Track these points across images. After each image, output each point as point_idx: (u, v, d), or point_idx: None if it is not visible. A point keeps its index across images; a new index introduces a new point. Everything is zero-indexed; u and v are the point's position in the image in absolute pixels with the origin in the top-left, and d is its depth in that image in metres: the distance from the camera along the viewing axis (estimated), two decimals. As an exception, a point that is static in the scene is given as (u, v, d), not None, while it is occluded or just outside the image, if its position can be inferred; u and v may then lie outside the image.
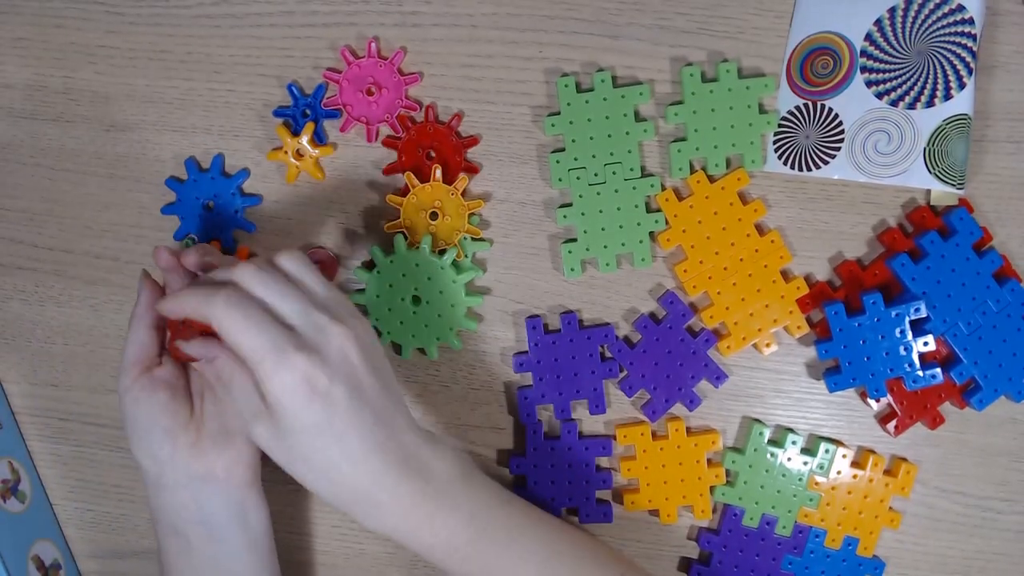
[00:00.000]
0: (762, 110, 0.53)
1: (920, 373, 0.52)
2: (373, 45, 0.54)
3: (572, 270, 0.55)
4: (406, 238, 0.54)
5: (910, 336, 0.52)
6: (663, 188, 0.54)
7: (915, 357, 0.52)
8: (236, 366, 0.43)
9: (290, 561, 0.60)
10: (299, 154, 0.56)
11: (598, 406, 0.55)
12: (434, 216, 0.54)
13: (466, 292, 0.55)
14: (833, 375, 0.53)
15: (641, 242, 0.55)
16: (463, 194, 0.54)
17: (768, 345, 0.55)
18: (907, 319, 0.52)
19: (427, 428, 0.49)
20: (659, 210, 0.54)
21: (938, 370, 0.52)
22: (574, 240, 0.55)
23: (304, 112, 0.56)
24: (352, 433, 0.42)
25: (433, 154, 0.55)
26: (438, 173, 0.54)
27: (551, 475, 0.56)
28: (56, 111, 0.58)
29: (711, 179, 0.54)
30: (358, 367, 0.43)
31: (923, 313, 0.52)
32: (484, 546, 0.46)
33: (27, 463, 0.60)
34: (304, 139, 0.55)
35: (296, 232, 0.57)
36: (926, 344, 0.52)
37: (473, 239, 0.55)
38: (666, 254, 0.56)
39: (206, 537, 0.49)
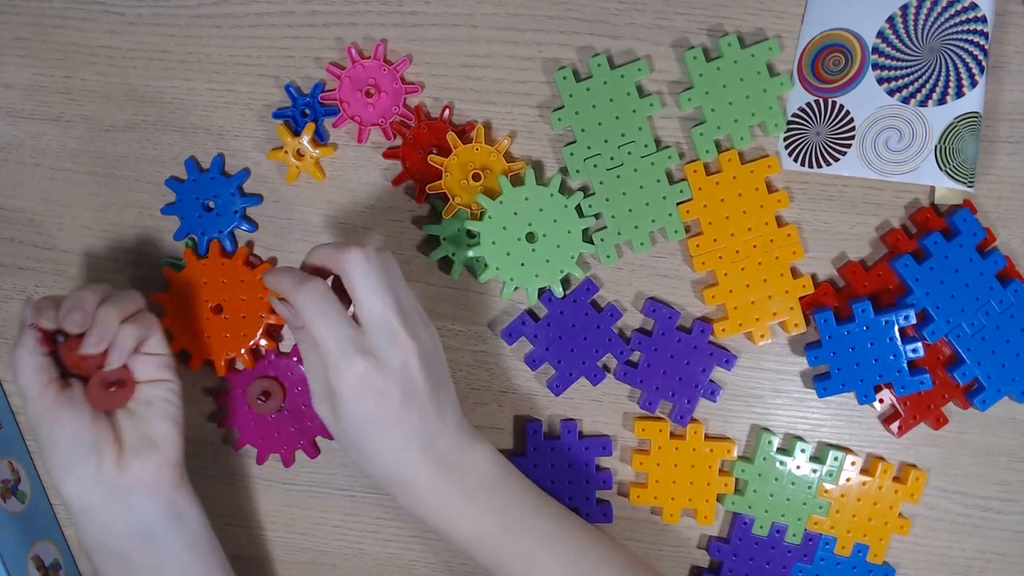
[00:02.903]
0: (772, 73, 0.51)
1: (909, 379, 0.50)
2: (380, 48, 0.52)
3: (608, 257, 0.52)
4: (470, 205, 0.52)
5: (899, 343, 0.50)
6: (680, 157, 0.52)
7: (904, 364, 0.50)
8: (313, 345, 0.45)
9: (290, 561, 0.58)
10: (299, 154, 0.53)
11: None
12: (476, 177, 0.51)
13: (580, 213, 0.52)
14: (823, 380, 0.51)
15: (671, 215, 0.52)
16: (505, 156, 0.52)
17: (763, 336, 0.52)
18: (896, 326, 0.50)
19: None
20: (683, 180, 0.52)
21: (927, 376, 0.50)
22: (604, 228, 0.52)
23: (304, 112, 0.53)
24: (398, 430, 0.44)
25: (435, 151, 0.52)
26: (482, 135, 0.51)
27: (551, 475, 0.54)
28: (56, 111, 0.55)
29: (742, 158, 0.51)
30: (415, 375, 0.44)
31: (912, 320, 0.49)
32: (509, 543, 0.46)
33: (27, 463, 0.58)
34: (305, 139, 0.53)
35: (296, 232, 0.55)
36: (915, 351, 0.50)
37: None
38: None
39: (145, 548, 0.47)
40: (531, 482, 0.49)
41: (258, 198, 0.54)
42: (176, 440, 0.48)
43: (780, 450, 0.53)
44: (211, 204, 0.54)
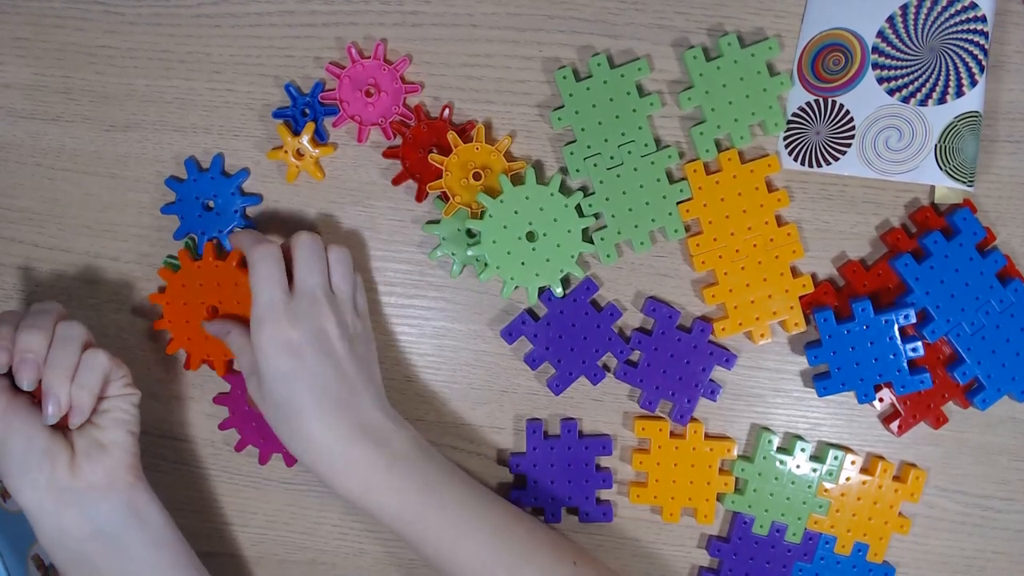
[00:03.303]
0: (772, 72, 0.51)
1: (909, 378, 0.50)
2: (380, 48, 0.52)
3: (608, 256, 0.52)
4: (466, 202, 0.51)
5: (899, 342, 0.49)
6: (680, 156, 0.52)
7: (904, 363, 0.49)
8: (243, 337, 0.48)
9: (290, 561, 0.57)
10: (299, 154, 0.53)
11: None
12: (477, 177, 0.51)
13: (580, 212, 0.51)
14: (823, 379, 0.51)
15: (671, 214, 0.52)
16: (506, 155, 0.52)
17: (763, 336, 0.52)
18: (896, 325, 0.49)
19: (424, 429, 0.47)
20: (683, 179, 0.52)
21: (927, 375, 0.49)
22: (604, 227, 0.52)
23: (304, 111, 0.53)
24: (313, 385, 0.46)
25: (435, 150, 0.52)
26: (482, 133, 0.51)
27: (551, 475, 0.53)
28: (56, 111, 0.55)
29: (742, 157, 0.51)
30: (333, 341, 0.47)
31: (912, 320, 0.49)
32: (432, 515, 0.47)
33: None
34: (305, 139, 0.52)
35: (296, 232, 0.54)
36: (914, 350, 0.49)
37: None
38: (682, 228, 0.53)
39: (107, 550, 0.46)
40: (454, 464, 0.50)
41: (258, 198, 0.54)
42: (130, 445, 0.48)
43: (780, 449, 0.53)
44: (211, 204, 0.54)
